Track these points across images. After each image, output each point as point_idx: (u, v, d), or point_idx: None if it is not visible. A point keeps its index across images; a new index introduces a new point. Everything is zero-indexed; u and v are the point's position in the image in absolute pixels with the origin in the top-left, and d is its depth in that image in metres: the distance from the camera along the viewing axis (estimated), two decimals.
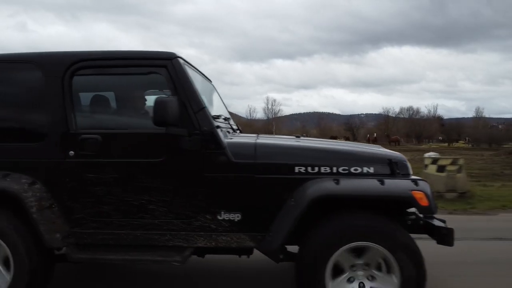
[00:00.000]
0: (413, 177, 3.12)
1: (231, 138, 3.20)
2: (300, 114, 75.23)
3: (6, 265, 3.04)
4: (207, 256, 3.44)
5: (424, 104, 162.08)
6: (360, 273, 2.91)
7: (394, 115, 68.20)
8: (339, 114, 63.79)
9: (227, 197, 3.02)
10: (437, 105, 78.87)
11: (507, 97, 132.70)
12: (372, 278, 2.91)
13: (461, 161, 8.87)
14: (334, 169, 3.03)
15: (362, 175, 3.05)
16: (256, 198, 3.01)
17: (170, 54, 3.13)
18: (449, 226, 3.09)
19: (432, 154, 10.17)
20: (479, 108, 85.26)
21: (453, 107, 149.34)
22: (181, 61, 3.15)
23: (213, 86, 4.18)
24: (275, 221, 2.96)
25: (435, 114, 67.77)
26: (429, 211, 2.91)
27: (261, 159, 3.04)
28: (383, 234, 2.82)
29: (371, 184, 2.92)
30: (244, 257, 3.43)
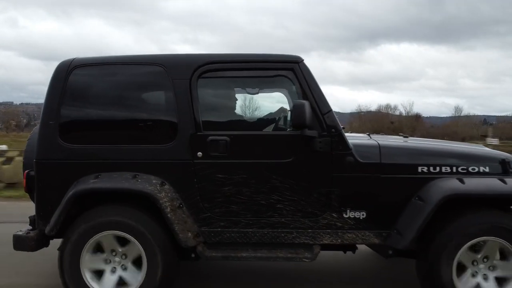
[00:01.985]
0: None
1: (353, 140, 3.31)
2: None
3: (136, 264, 3.14)
4: None
5: (427, 102, 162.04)
6: (481, 266, 3.05)
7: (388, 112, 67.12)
8: (339, 112, 63.27)
9: (353, 196, 3.15)
10: (413, 103, 78.47)
11: (509, 95, 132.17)
12: (493, 268, 3.06)
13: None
14: (454, 169, 3.17)
15: (479, 173, 3.18)
16: (381, 197, 3.14)
17: (297, 58, 3.25)
18: None
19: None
20: (458, 106, 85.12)
21: (454, 105, 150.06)
22: (305, 65, 3.25)
23: None
24: (400, 219, 3.09)
25: (409, 112, 66.91)
26: None
27: (386, 160, 3.17)
28: (501, 228, 2.95)
29: (496, 183, 3.05)
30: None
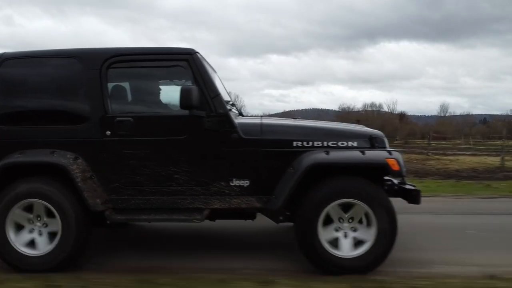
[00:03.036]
0: (388, 148, 3.81)
1: (240, 120, 3.88)
2: (297, 110, 74.91)
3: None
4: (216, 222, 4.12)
5: (428, 100, 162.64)
6: (345, 225, 3.61)
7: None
8: (339, 111, 63.97)
9: (238, 167, 3.70)
10: (396, 101, 77.94)
11: (511, 93, 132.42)
12: (354, 229, 3.61)
13: None
14: (325, 143, 3.73)
15: (348, 148, 3.74)
16: (261, 168, 3.70)
17: (191, 50, 3.81)
18: (416, 188, 3.82)
19: None
20: (443, 105, 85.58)
21: (456, 104, 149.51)
22: (199, 55, 3.82)
23: (219, 76, 4.82)
24: (277, 186, 3.64)
25: (393, 110, 66.62)
26: (400, 175, 3.64)
27: (266, 136, 3.74)
28: (368, 194, 3.52)
29: (355, 154, 3.64)
30: (248, 221, 4.12)
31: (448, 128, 60.02)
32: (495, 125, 61.75)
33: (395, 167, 3.52)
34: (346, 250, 3.55)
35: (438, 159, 17.83)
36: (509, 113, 73.11)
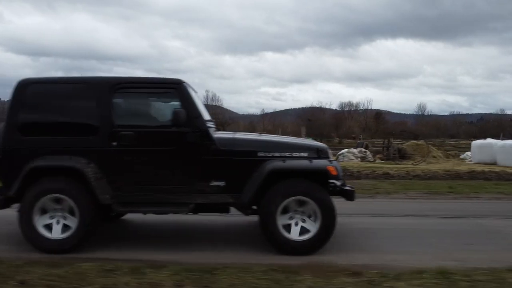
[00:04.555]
0: (330, 158, 4.96)
1: (217, 134, 4.96)
2: (295, 109, 74.78)
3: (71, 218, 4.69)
4: (199, 217, 5.18)
5: (427, 99, 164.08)
6: (298, 216, 4.73)
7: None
8: (337, 110, 64.79)
9: (216, 172, 4.75)
10: (371, 100, 78.28)
11: (510, 92, 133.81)
12: (304, 221, 4.73)
13: None
14: (282, 154, 4.82)
15: (300, 158, 4.84)
16: (234, 172, 4.75)
17: (178, 80, 4.88)
18: (352, 188, 4.95)
19: None
20: (421, 104, 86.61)
21: (455, 103, 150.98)
22: (185, 84, 4.88)
23: (199, 98, 5.76)
24: (245, 186, 4.70)
25: (366, 109, 66.52)
26: (337, 178, 4.80)
27: (237, 148, 4.83)
28: (313, 194, 4.63)
29: (304, 162, 4.78)
30: (223, 215, 5.25)
31: (424, 127, 61.23)
32: (489, 124, 62.62)
33: (334, 173, 4.75)
34: (295, 234, 4.65)
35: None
36: (499, 112, 74.24)
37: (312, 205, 4.63)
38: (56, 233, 4.65)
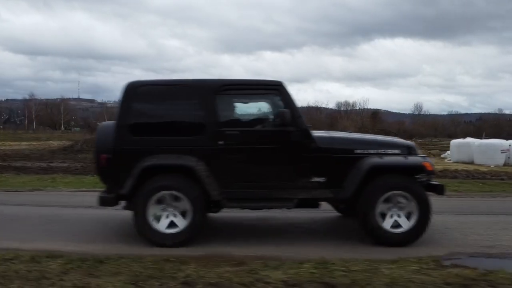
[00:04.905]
0: (421, 155, 5.24)
1: (316, 133, 5.15)
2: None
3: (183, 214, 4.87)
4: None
5: (426, 99, 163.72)
6: (394, 209, 4.93)
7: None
8: (333, 109, 64.81)
9: (316, 168, 4.97)
10: (368, 100, 78.69)
11: (509, 92, 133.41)
12: (399, 215, 4.93)
13: None
14: (377, 151, 5.06)
15: (393, 154, 5.08)
16: (333, 168, 4.97)
17: (279, 82, 5.09)
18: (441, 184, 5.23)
19: None
20: (418, 104, 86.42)
21: (454, 102, 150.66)
22: (285, 85, 5.08)
23: None
24: (345, 182, 4.92)
25: (363, 109, 66.57)
26: (432, 174, 5.09)
27: (336, 145, 5.12)
28: (412, 188, 4.91)
29: (401, 159, 5.06)
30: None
31: (420, 127, 61.44)
32: (487, 124, 62.77)
33: (430, 168, 5.01)
34: (391, 226, 4.91)
35: None
36: (497, 111, 74.10)
37: (410, 199, 4.88)
38: (169, 227, 4.85)
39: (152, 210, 4.82)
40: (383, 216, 4.90)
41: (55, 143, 31.81)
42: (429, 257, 4.41)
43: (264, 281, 3.72)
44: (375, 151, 5.05)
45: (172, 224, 4.87)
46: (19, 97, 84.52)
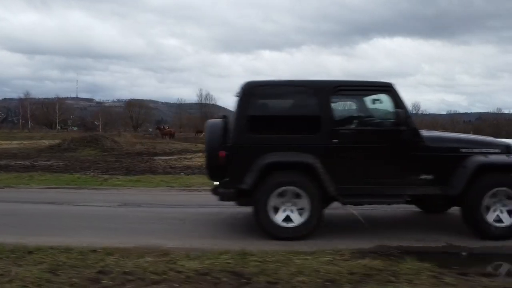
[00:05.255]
0: None
1: (423, 133, 5.34)
2: None
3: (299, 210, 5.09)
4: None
5: (426, 98, 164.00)
6: (497, 205, 5.19)
7: None
8: None
9: (425, 166, 5.21)
10: None
11: (508, 91, 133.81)
12: (501, 211, 5.18)
13: None
14: (481, 150, 5.32)
15: (495, 153, 5.33)
16: (441, 166, 5.21)
17: (390, 83, 5.35)
18: None
19: None
20: (415, 103, 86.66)
21: (454, 102, 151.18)
22: (395, 87, 5.31)
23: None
24: (453, 179, 5.14)
25: None
26: None
27: (444, 144, 5.37)
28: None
29: (504, 158, 5.33)
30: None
31: (420, 126, 61.42)
32: (486, 123, 62.89)
33: None
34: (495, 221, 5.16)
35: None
36: (496, 111, 74.20)
37: (506, 191, 5.14)
38: (289, 222, 5.06)
39: (273, 204, 5.05)
40: (487, 209, 5.15)
41: (46, 142, 31.96)
42: (348, 249, 4.58)
43: (177, 270, 3.91)
44: (479, 150, 5.32)
45: (288, 219, 5.08)
46: (17, 96, 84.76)
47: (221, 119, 5.63)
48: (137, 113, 74.38)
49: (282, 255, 4.32)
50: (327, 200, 5.20)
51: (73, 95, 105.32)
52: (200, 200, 8.08)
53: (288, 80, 5.58)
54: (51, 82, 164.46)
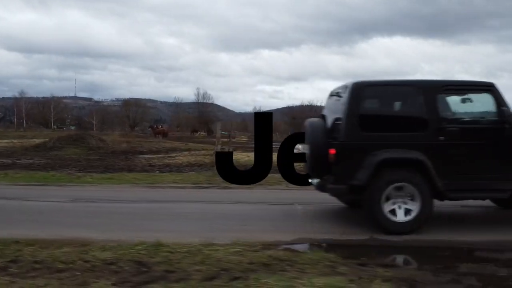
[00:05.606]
0: None
1: None
2: (292, 107, 74.68)
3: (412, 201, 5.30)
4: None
5: None
6: None
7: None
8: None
9: None
10: None
11: (508, 90, 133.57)
12: None
13: None
14: None
15: None
16: None
17: (491, 83, 5.63)
18: None
19: None
20: None
21: None
22: (497, 86, 5.58)
23: None
24: None
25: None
26: None
27: None
28: None
29: None
30: None
31: None
32: None
33: None
34: None
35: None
36: None
37: None
38: (400, 216, 5.28)
39: (386, 200, 5.25)
40: None
41: (37, 141, 32.17)
42: (264, 241, 4.77)
43: (86, 260, 4.11)
44: None
45: (401, 213, 5.28)
46: (14, 95, 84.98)
47: (319, 118, 5.95)
48: (134, 112, 74.54)
49: (194, 247, 4.51)
50: (433, 195, 5.38)
51: (72, 94, 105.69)
52: (156, 195, 8.31)
53: (396, 80, 5.94)
54: (50, 81, 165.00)
